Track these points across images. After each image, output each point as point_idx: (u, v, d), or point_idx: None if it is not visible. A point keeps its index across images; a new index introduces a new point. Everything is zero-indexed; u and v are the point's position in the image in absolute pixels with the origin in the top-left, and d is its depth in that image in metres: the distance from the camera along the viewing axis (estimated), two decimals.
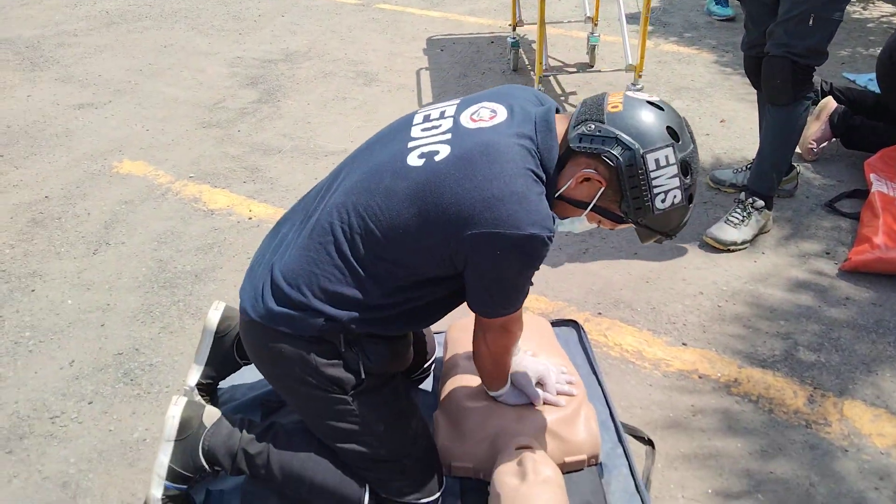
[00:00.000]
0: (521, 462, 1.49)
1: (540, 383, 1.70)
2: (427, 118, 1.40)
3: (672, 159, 1.26)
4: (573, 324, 2.11)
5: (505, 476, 1.48)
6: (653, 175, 1.26)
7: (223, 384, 1.92)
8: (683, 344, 2.06)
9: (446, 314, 1.53)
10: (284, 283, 1.38)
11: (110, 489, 1.68)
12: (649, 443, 1.74)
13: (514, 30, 3.98)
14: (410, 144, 1.34)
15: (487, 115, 1.34)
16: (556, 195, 1.32)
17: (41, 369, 2.03)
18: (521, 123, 1.31)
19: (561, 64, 4.03)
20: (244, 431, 1.54)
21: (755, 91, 2.62)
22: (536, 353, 1.82)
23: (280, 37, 4.65)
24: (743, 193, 2.47)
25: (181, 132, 3.42)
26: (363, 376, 1.42)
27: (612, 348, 2.06)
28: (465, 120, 1.34)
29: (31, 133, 3.42)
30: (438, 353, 1.97)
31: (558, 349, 1.89)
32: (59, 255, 2.52)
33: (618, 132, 1.25)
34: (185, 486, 1.53)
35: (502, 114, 1.34)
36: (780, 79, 2.27)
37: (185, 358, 2.04)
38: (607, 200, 1.31)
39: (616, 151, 1.25)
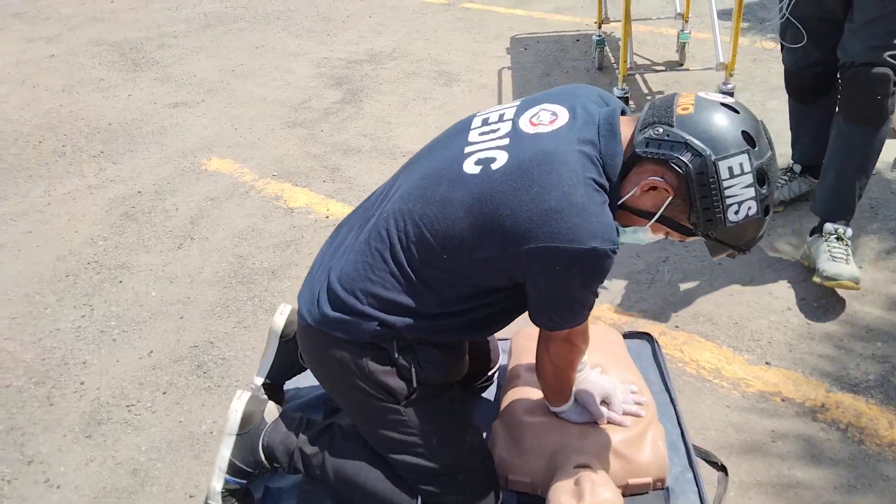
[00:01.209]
0: (579, 482, 1.43)
1: (605, 402, 1.63)
2: (486, 121, 1.36)
3: (747, 167, 1.16)
4: (647, 337, 2.02)
5: (561, 495, 1.42)
6: (725, 184, 1.16)
7: (290, 383, 1.95)
8: (767, 363, 1.93)
9: (507, 325, 1.49)
10: (340, 288, 1.38)
11: (176, 479, 1.73)
12: (722, 469, 1.64)
13: (599, 27, 3.87)
14: (467, 150, 1.31)
15: (548, 118, 1.28)
16: (619, 204, 1.25)
17: (123, 358, 2.12)
18: (583, 127, 1.24)
19: (649, 62, 3.89)
20: (302, 430, 1.55)
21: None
22: (605, 369, 1.75)
23: (366, 37, 4.71)
24: (827, 226, 2.15)
25: (267, 131, 3.51)
26: (415, 385, 1.39)
27: (689, 364, 1.96)
28: (524, 124, 1.28)
29: (129, 130, 3.60)
30: (503, 360, 1.93)
31: (629, 364, 1.81)
32: (146, 249, 2.63)
33: (688, 137, 1.17)
34: (244, 481, 1.56)
35: (563, 117, 1.27)
36: (881, 93, 1.96)
37: (256, 353, 2.09)
38: (675, 211, 1.22)
39: (686, 158, 1.16)
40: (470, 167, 1.27)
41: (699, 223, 1.21)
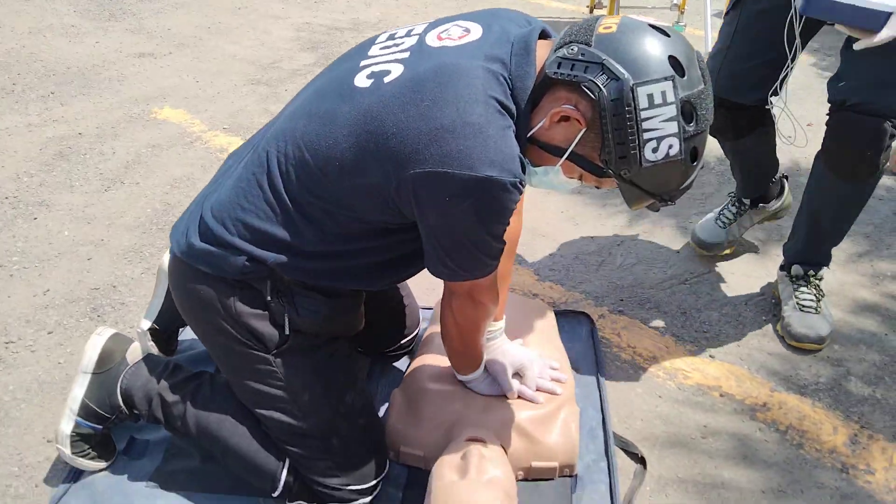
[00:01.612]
0: (466, 456, 1.25)
1: (519, 375, 1.45)
2: (392, 37, 1.18)
3: (671, 97, 0.98)
4: (583, 316, 1.85)
5: (444, 468, 1.25)
6: (644, 115, 0.98)
7: (187, 334, 1.77)
8: (710, 356, 1.75)
9: (403, 277, 1.31)
10: (210, 216, 1.20)
11: (37, 422, 1.55)
12: (641, 460, 1.46)
13: (591, 12, 3.71)
14: (363, 63, 1.13)
15: (458, 33, 1.10)
16: (529, 137, 1.06)
17: (15, 294, 1.94)
18: (495, 44, 1.06)
19: None
20: (165, 376, 1.38)
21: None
22: (526, 343, 1.58)
23: (354, 7, 4.54)
24: (795, 268, 1.86)
25: (229, 86, 3.34)
26: (287, 332, 1.21)
27: (625, 350, 1.78)
28: (432, 38, 1.11)
29: (86, 75, 3.42)
30: (427, 331, 1.74)
31: (554, 341, 1.64)
32: (71, 189, 2.46)
33: (605, 57, 0.98)
34: (99, 427, 1.39)
35: (476, 33, 1.09)
36: (874, 148, 1.54)
37: None
38: (588, 147, 1.04)
39: (600, 81, 0.98)
40: (361, 80, 1.09)
41: (611, 160, 1.02)
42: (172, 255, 1.27)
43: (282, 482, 1.30)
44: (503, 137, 1.02)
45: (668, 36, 1.02)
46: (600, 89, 0.98)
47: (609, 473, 1.43)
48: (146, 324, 1.59)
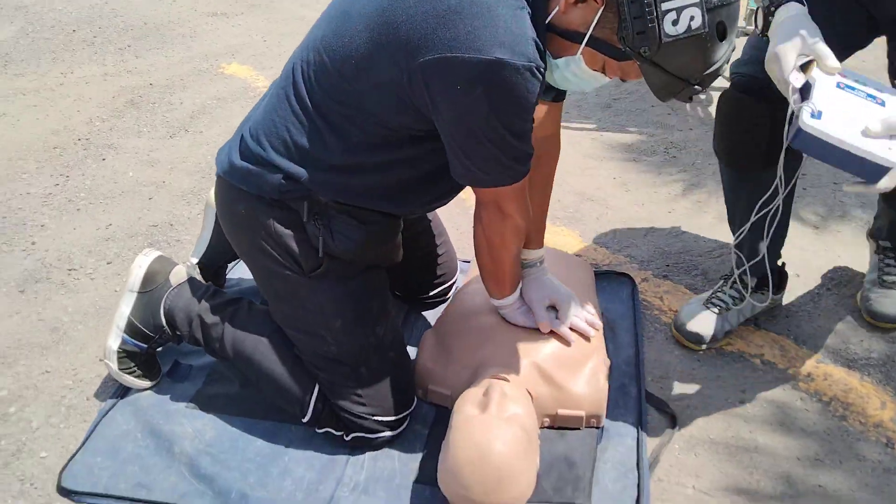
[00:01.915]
0: (488, 392, 1.26)
1: (554, 308, 1.44)
2: None
3: None
4: (626, 278, 1.82)
5: (465, 403, 1.26)
6: None
7: (235, 273, 1.83)
8: (756, 325, 1.70)
9: (434, 199, 1.30)
10: (248, 135, 1.23)
11: (92, 342, 1.64)
12: (672, 418, 1.44)
13: None
14: None
15: None
16: (547, 24, 1.02)
17: (80, 226, 2.05)
18: None
19: None
20: (206, 298, 1.43)
21: None
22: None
23: None
24: (884, 242, 1.71)
25: (295, 46, 3.40)
26: (321, 255, 1.24)
27: (666, 313, 1.74)
28: None
29: (161, 31, 3.55)
30: (462, 281, 1.76)
31: (590, 294, 1.62)
32: (139, 134, 2.56)
33: None
34: (144, 345, 1.45)
35: None
36: None
37: None
38: (606, 28, 0.99)
39: None
40: None
41: (629, 36, 0.96)
42: (217, 176, 1.31)
43: (311, 407, 1.33)
44: (515, 18, 0.98)
45: None
46: None
47: (637, 429, 1.41)
48: (194, 259, 1.65)
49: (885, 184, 1.08)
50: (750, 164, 1.45)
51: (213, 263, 1.66)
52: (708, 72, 1.00)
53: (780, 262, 1.67)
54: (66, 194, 2.19)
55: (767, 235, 1.38)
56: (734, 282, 1.63)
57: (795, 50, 1.10)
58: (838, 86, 1.13)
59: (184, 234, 2.03)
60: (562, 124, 1.46)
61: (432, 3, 0.98)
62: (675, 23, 0.93)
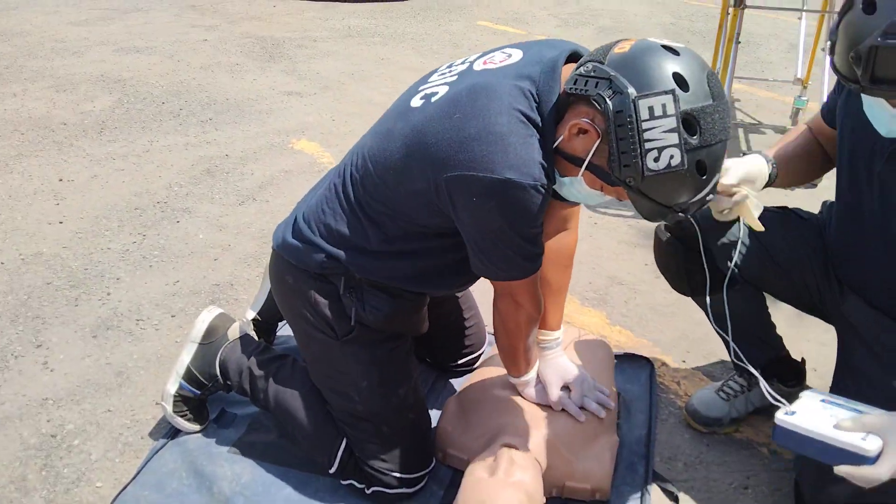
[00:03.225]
0: (498, 458, 1.38)
1: (568, 388, 1.56)
2: (451, 65, 1.36)
3: (671, 109, 1.04)
4: (645, 361, 1.92)
5: (476, 466, 1.38)
6: (645, 126, 1.05)
7: (285, 331, 2.01)
8: (769, 415, 1.76)
9: (459, 283, 1.47)
10: (301, 218, 1.43)
11: (151, 387, 1.82)
12: (675, 499, 1.51)
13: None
14: (421, 87, 1.32)
15: (500, 58, 1.26)
16: (554, 148, 1.19)
17: (151, 282, 2.27)
18: (528, 65, 1.21)
19: (755, 122, 3.72)
20: (256, 354, 1.60)
21: None
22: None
23: None
24: None
25: (361, 126, 3.67)
26: (353, 323, 1.40)
27: (681, 398, 1.82)
28: (478, 63, 1.28)
29: (241, 107, 3.89)
30: (490, 352, 1.88)
31: (608, 375, 1.73)
32: (212, 200, 2.82)
33: (613, 73, 1.08)
34: (198, 391, 1.62)
35: (515, 57, 1.24)
36: None
37: None
38: (602, 157, 1.13)
39: (606, 94, 1.07)
40: (416, 102, 1.28)
41: (617, 168, 1.10)
42: (273, 249, 1.50)
43: (338, 459, 1.47)
44: (524, 145, 1.14)
45: (678, 54, 1.09)
46: (606, 102, 1.08)
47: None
48: (251, 314, 1.84)
49: (886, 469, 1.07)
50: (692, 291, 1.60)
51: (267, 320, 1.85)
52: (690, 202, 1.12)
53: (787, 354, 1.73)
54: (141, 251, 2.44)
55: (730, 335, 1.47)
56: (741, 372, 1.70)
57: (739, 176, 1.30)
58: (823, 401, 1.23)
59: (242, 294, 2.23)
60: (600, 210, 1.60)
61: (457, 131, 1.16)
62: (656, 160, 1.07)
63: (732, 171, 1.32)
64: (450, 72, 1.31)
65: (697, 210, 1.15)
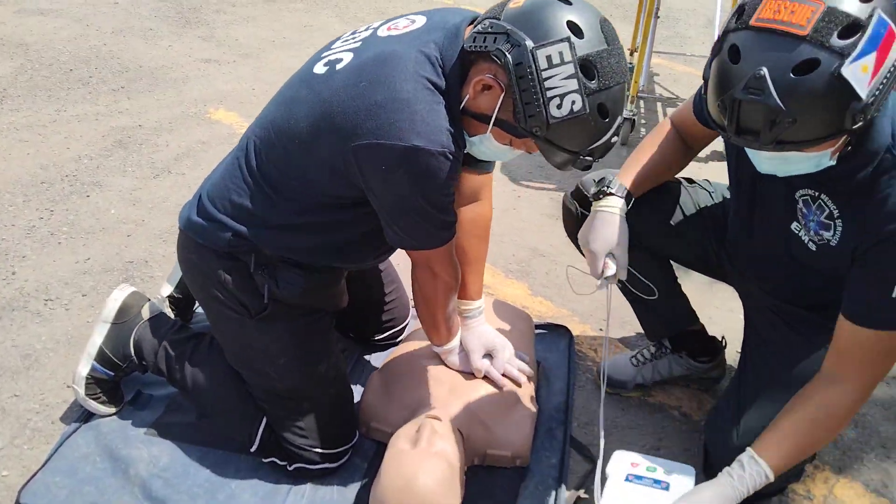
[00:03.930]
0: (420, 429, 1.39)
1: (490, 356, 1.58)
2: (354, 32, 1.34)
3: (568, 56, 1.07)
4: (564, 330, 1.97)
5: (398, 438, 1.39)
6: (544, 75, 1.08)
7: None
8: (686, 385, 1.84)
9: (378, 256, 1.46)
10: (205, 195, 1.39)
11: (61, 370, 1.75)
12: (591, 462, 1.57)
13: (630, 55, 3.84)
14: (324, 54, 1.29)
15: (403, 24, 1.25)
16: (462, 109, 1.19)
17: (60, 259, 2.17)
18: (432, 31, 1.20)
19: (673, 95, 3.83)
20: (172, 333, 1.56)
21: None
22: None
23: None
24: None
25: None
26: (266, 301, 1.37)
27: (598, 365, 1.88)
28: (382, 30, 1.26)
29: (155, 74, 3.73)
30: (413, 326, 1.89)
31: (528, 343, 1.77)
32: (124, 173, 2.71)
33: (509, 27, 1.10)
34: (112, 373, 1.57)
35: (419, 23, 1.24)
36: None
37: None
38: (508, 111, 1.15)
39: (505, 48, 1.09)
40: (319, 68, 1.26)
41: (522, 119, 1.12)
42: (179, 229, 1.46)
43: (258, 438, 1.46)
44: (431, 112, 1.14)
45: (571, 4, 1.12)
46: (505, 55, 1.09)
47: (560, 470, 1.54)
48: (166, 289, 1.79)
49: None
50: None
51: (185, 295, 1.80)
52: (595, 146, 1.16)
53: (702, 329, 1.78)
54: (49, 228, 2.33)
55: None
56: (654, 343, 1.78)
57: (605, 252, 1.38)
58: (627, 478, 1.36)
59: (157, 272, 2.16)
60: (523, 183, 1.61)
61: (363, 98, 1.15)
62: (559, 107, 1.10)
63: (599, 253, 1.39)
64: (353, 38, 1.29)
65: (603, 154, 1.19)
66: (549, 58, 1.08)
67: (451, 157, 1.15)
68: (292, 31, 4.66)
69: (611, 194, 1.41)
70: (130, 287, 1.62)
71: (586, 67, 1.09)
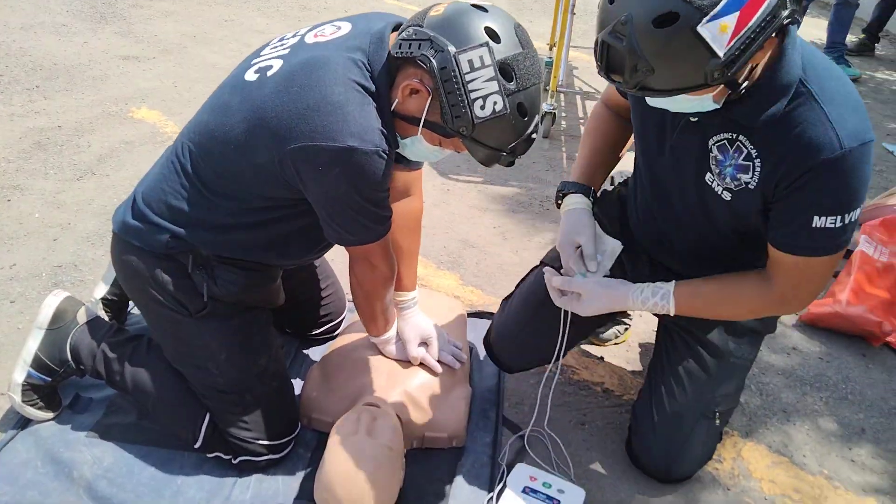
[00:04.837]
0: (360, 416, 1.46)
1: (426, 344, 1.67)
2: (282, 39, 1.39)
3: (488, 60, 1.16)
4: (491, 316, 2.06)
5: (340, 427, 1.45)
6: (467, 78, 1.16)
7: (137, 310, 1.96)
8: (601, 358, 1.98)
9: (315, 252, 1.52)
10: (140, 198, 1.41)
11: None
12: (522, 438, 1.68)
13: (550, 49, 3.98)
14: (254, 61, 1.35)
15: (330, 31, 1.31)
16: (392, 112, 1.26)
17: None
18: (357, 37, 1.27)
19: (593, 90, 3.99)
20: (109, 336, 1.57)
21: None
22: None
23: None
24: None
25: (205, 92, 3.53)
26: (205, 299, 1.41)
27: None
28: (309, 37, 1.32)
29: (71, 72, 3.62)
30: (350, 319, 1.96)
31: (460, 330, 1.85)
32: (46, 176, 2.65)
33: (432, 33, 1.18)
34: (48, 378, 1.57)
35: (345, 29, 1.30)
36: None
37: None
38: (436, 113, 1.23)
39: (429, 53, 1.17)
40: (250, 75, 1.31)
41: (450, 121, 1.20)
42: (113, 233, 1.48)
43: (202, 434, 1.49)
44: (363, 113, 1.21)
45: (486, 11, 1.21)
46: (430, 60, 1.18)
47: (493, 447, 1.64)
48: (101, 290, 1.78)
49: None
50: None
51: (120, 296, 1.80)
52: (516, 142, 1.24)
53: None
54: None
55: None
56: None
57: (572, 246, 1.45)
58: (524, 490, 1.49)
59: (88, 275, 2.14)
60: (452, 177, 1.68)
61: (296, 103, 1.20)
62: (482, 108, 1.18)
63: (564, 247, 1.46)
64: (281, 45, 1.34)
65: (525, 150, 1.27)
66: (470, 62, 1.16)
67: (384, 155, 1.22)
68: (213, 26, 4.60)
69: (567, 194, 1.51)
70: (64, 292, 1.62)
71: (505, 70, 1.18)
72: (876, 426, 1.84)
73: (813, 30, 5.71)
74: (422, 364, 1.66)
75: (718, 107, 1.17)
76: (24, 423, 1.61)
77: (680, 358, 1.58)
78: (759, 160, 1.23)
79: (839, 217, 1.19)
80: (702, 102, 1.15)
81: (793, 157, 1.18)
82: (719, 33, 1.00)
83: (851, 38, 5.08)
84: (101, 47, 4.02)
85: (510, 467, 1.57)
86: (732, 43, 1.01)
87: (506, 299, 1.77)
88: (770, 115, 1.17)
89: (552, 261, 1.66)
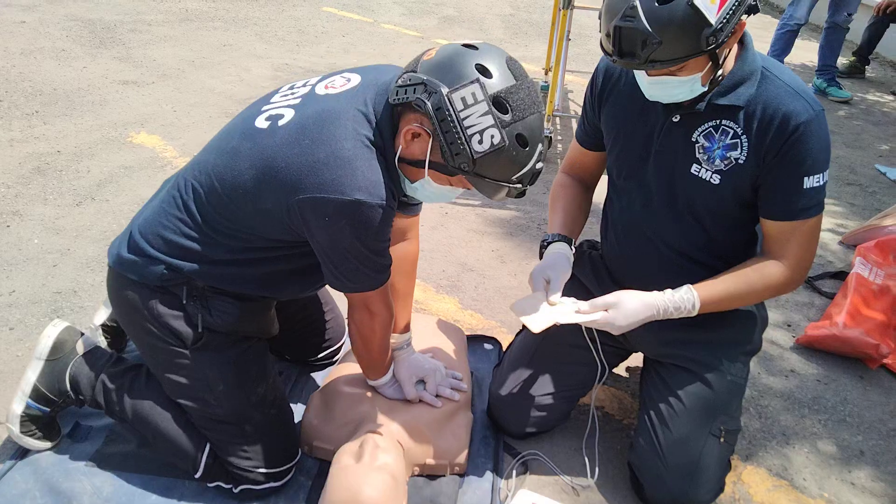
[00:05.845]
0: (362, 445, 1.46)
1: (423, 381, 1.67)
2: (292, 87, 1.42)
3: (480, 96, 1.18)
4: (494, 341, 2.07)
5: (342, 454, 1.45)
6: (462, 115, 1.18)
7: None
8: (603, 383, 1.97)
9: (307, 287, 1.53)
10: (137, 231, 1.43)
11: None
12: (524, 464, 1.67)
13: (546, 74, 4.02)
14: (264, 108, 1.37)
15: (340, 83, 1.34)
16: (399, 159, 1.29)
17: None
18: (366, 90, 1.30)
19: None
20: (108, 366, 1.57)
21: None
22: (436, 357, 1.79)
23: (333, 53, 4.83)
24: None
25: (204, 118, 3.58)
26: (201, 331, 1.42)
27: None
28: (320, 88, 1.35)
29: (71, 97, 3.65)
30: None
31: (461, 357, 1.86)
32: (45, 202, 2.66)
33: (425, 77, 1.21)
34: (47, 409, 1.57)
35: (354, 81, 1.33)
36: None
37: None
38: (438, 154, 1.25)
39: (423, 97, 1.20)
40: (261, 122, 1.33)
41: (450, 158, 1.22)
42: (108, 267, 1.48)
43: (202, 464, 1.49)
44: (370, 168, 1.24)
45: (477, 49, 1.23)
46: (425, 103, 1.20)
47: (494, 474, 1.64)
48: (101, 316, 1.79)
49: None
50: None
51: (117, 326, 1.80)
52: (520, 174, 1.26)
53: None
54: None
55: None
56: None
57: (543, 279, 1.51)
58: None
59: (87, 301, 2.14)
60: (452, 202, 1.69)
61: (305, 156, 1.23)
62: (480, 142, 1.20)
63: (534, 275, 1.52)
64: (292, 94, 1.37)
65: (532, 181, 1.29)
66: (463, 99, 1.18)
67: (388, 207, 1.25)
68: (211, 51, 4.64)
69: (550, 243, 1.59)
70: (64, 322, 1.62)
71: (499, 102, 1.20)
72: (875, 448, 1.84)
73: (804, 53, 5.79)
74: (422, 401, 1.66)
75: (705, 89, 1.35)
76: (22, 452, 1.60)
77: (676, 380, 1.58)
78: (745, 137, 1.40)
79: (822, 175, 1.39)
80: (692, 87, 1.33)
81: (776, 125, 1.36)
82: (710, 4, 1.21)
83: (842, 61, 5.16)
84: (100, 72, 4.05)
85: (512, 493, 1.57)
86: (720, 12, 1.21)
87: (496, 367, 1.83)
88: (747, 95, 1.38)
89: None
